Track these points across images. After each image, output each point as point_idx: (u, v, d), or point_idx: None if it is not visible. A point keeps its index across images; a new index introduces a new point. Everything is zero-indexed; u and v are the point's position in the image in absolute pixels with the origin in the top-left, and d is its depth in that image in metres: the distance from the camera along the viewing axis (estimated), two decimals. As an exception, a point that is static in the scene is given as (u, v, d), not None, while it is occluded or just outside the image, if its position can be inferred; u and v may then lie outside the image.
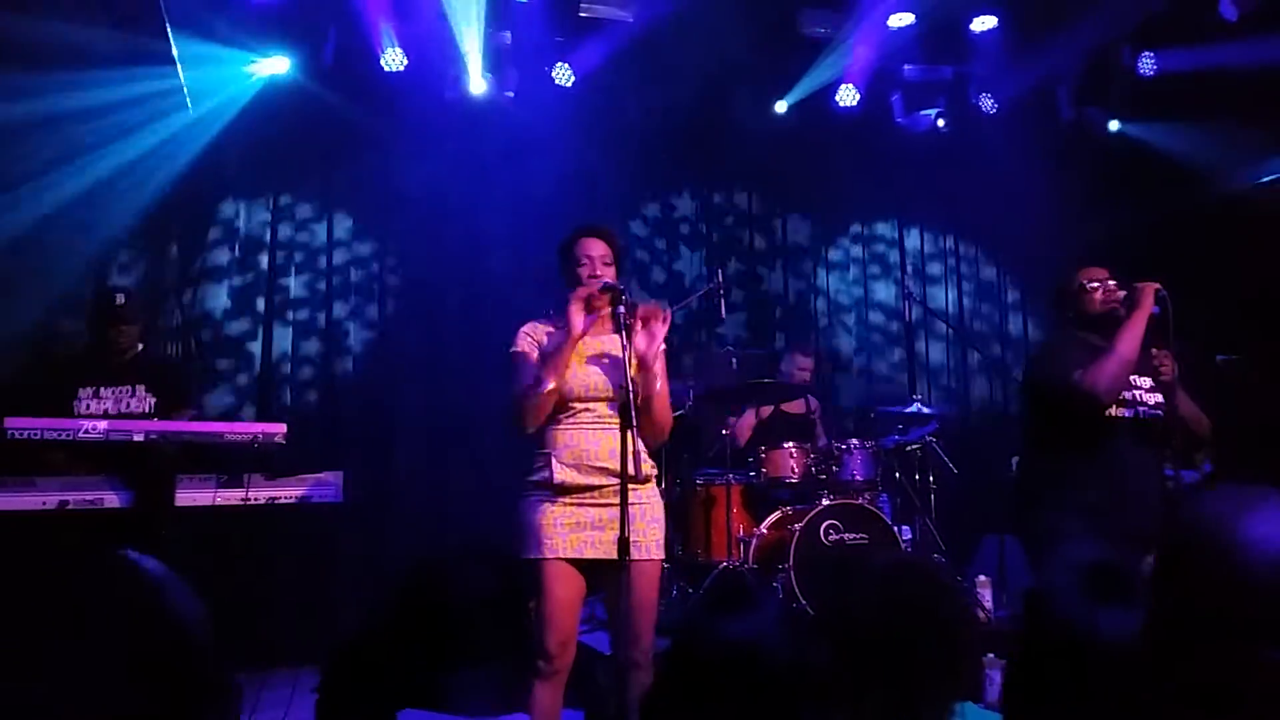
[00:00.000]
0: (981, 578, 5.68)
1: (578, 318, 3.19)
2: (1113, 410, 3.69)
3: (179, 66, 5.56)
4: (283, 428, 4.35)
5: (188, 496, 4.66)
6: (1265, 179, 6.77)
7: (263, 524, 4.95)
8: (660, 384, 3.27)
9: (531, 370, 3.22)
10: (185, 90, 5.79)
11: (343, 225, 6.86)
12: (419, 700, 1.80)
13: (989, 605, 5.54)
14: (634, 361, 3.21)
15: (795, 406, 6.36)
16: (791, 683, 1.59)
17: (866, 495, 5.66)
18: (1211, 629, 1.27)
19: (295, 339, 6.63)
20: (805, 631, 1.69)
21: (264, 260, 6.62)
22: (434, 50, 6.41)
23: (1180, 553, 1.35)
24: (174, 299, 6.37)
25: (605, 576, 3.16)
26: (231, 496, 4.88)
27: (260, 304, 6.56)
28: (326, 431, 6.49)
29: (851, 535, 5.31)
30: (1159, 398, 3.78)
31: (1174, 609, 1.32)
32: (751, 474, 5.80)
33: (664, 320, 3.25)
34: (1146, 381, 3.79)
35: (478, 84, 6.51)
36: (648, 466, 3.26)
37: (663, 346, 3.30)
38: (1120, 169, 7.42)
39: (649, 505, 3.25)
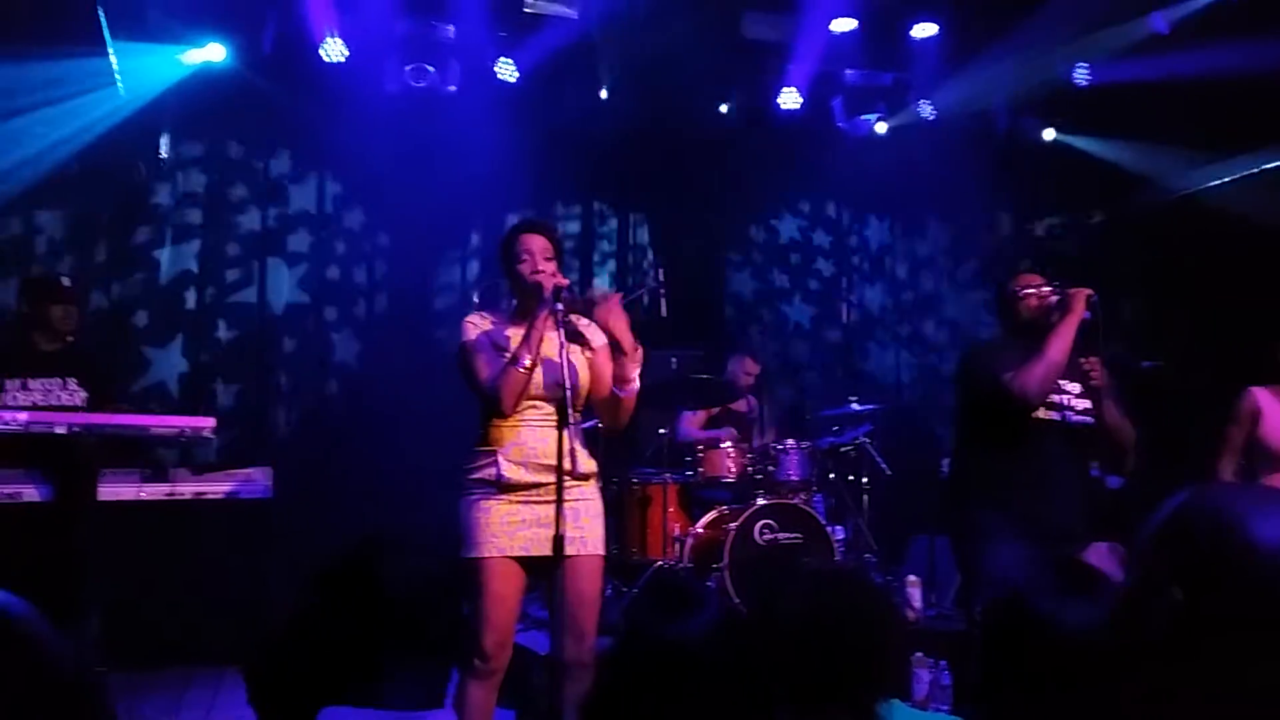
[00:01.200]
0: (911, 577, 5.75)
1: (549, 282, 3.16)
2: (1041, 413, 3.75)
3: (110, 48, 5.42)
4: (212, 422, 4.25)
5: (111, 491, 4.55)
6: (1193, 189, 6.95)
7: (189, 520, 4.85)
8: (638, 367, 3.27)
9: (492, 356, 3.20)
10: (116, 71, 5.65)
11: (279, 216, 6.76)
12: (344, 696, 1.77)
13: (918, 605, 5.61)
14: (580, 353, 3.21)
15: (741, 405, 6.40)
16: (733, 683, 1.60)
17: (802, 495, 5.70)
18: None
19: (226, 332, 6.52)
20: (739, 631, 1.70)
21: (195, 251, 6.49)
22: (376, 42, 6.33)
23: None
24: (100, 288, 6.22)
25: (547, 573, 3.13)
26: (157, 491, 4.79)
27: (191, 296, 6.44)
28: (257, 426, 6.39)
29: (786, 535, 5.35)
30: (1087, 403, 3.86)
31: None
32: (689, 473, 5.82)
33: (613, 301, 3.25)
34: (1076, 387, 3.87)
35: (419, 77, 6.43)
36: (589, 464, 3.27)
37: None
38: (1055, 177, 7.57)
39: (591, 502, 3.26)
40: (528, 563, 3.12)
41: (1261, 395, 3.99)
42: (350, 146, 6.58)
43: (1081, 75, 6.69)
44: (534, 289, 3.19)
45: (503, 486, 3.13)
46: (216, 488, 4.87)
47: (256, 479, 5.00)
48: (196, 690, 4.55)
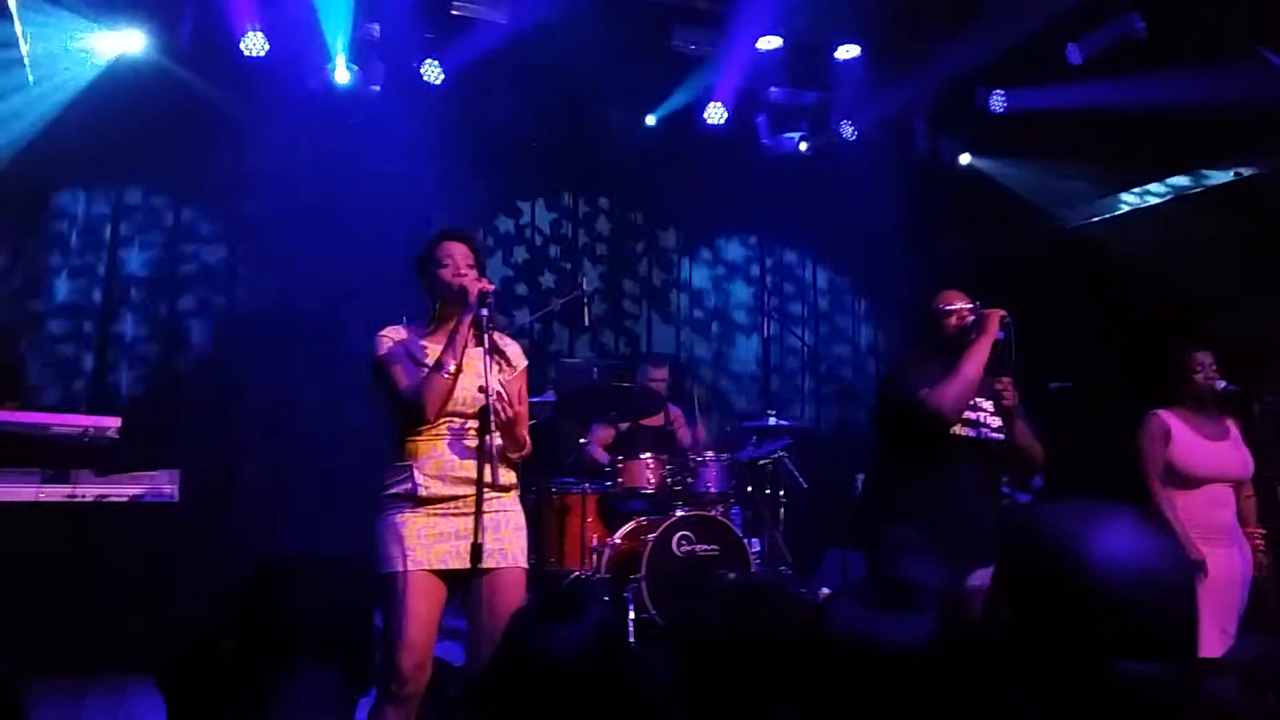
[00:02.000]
0: (825, 590, 5.82)
1: (474, 286, 3.12)
2: (956, 429, 3.83)
3: (20, 32, 5.22)
4: (117, 422, 4.12)
5: (8, 491, 4.37)
6: (1103, 216, 7.18)
7: (91, 523, 4.67)
8: (523, 416, 3.24)
9: (409, 366, 3.14)
10: (25, 59, 5.44)
11: (191, 214, 6.59)
12: (250, 709, 1.72)
13: (832, 617, 5.68)
14: (496, 371, 3.18)
15: (654, 420, 6.39)
16: (606, 695, 1.59)
17: (719, 507, 5.74)
18: (1069, 647, 1.31)
19: (135, 330, 6.33)
20: (650, 642, 1.69)
21: (104, 247, 6.29)
22: (298, 37, 6.20)
23: (1026, 565, 1.39)
24: (4, 285, 5.98)
25: (467, 586, 3.08)
26: (56, 493, 4.61)
27: (98, 293, 6.23)
28: (164, 428, 6.19)
29: (703, 547, 5.37)
30: (1000, 421, 3.95)
31: (1017, 621, 1.35)
32: (608, 484, 5.81)
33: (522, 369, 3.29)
34: (990, 404, 3.96)
35: (342, 75, 6.33)
36: (509, 475, 3.23)
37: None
38: (970, 200, 7.75)
39: (513, 513, 3.22)
40: (448, 577, 3.06)
41: (1169, 417, 4.13)
42: (269, 142, 6.44)
43: (997, 102, 6.87)
44: (458, 293, 3.15)
45: (419, 500, 3.07)
46: (121, 490, 4.70)
47: (164, 481, 4.85)
48: (95, 699, 4.38)
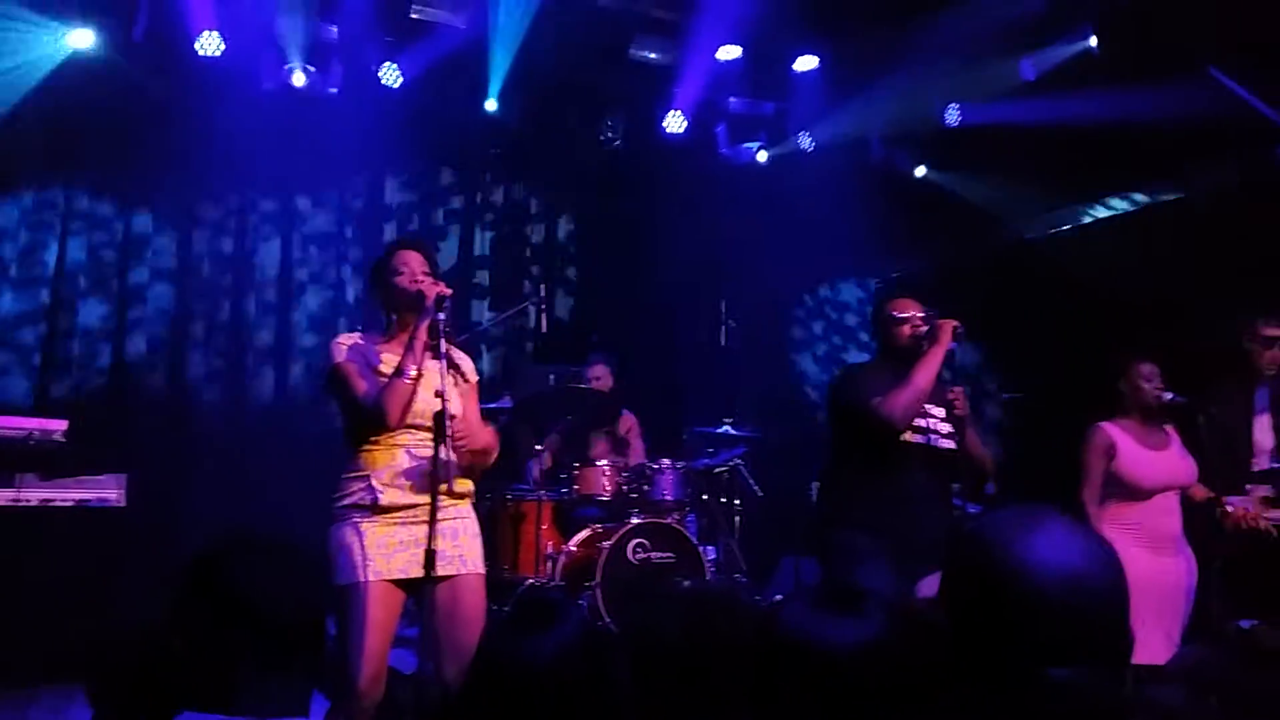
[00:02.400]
0: (779, 598, 5.84)
1: (431, 290, 3.10)
2: (907, 436, 3.87)
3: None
4: (63, 424, 4.05)
5: (-52, 496, 4.27)
6: (1056, 229, 7.28)
7: (36, 528, 4.58)
8: (482, 435, 3.25)
9: (368, 373, 3.13)
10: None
11: (144, 213, 6.50)
12: (200, 701, 1.69)
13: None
14: (452, 383, 3.18)
15: (605, 425, 6.36)
16: (585, 703, 1.59)
17: (675, 515, 5.73)
18: (997, 647, 1.32)
19: (83, 332, 6.21)
20: (607, 651, 1.69)
21: (52, 245, 6.18)
22: (254, 38, 6.14)
23: (964, 572, 1.40)
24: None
25: (423, 594, 3.04)
26: (0, 497, 4.52)
27: (45, 294, 6.12)
28: (113, 432, 6.09)
29: (659, 554, 5.36)
30: (951, 428, 3.99)
31: (959, 628, 1.37)
32: (563, 490, 5.79)
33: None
34: (941, 411, 4.00)
35: (299, 77, 6.26)
36: (465, 483, 3.22)
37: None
38: (925, 212, 7.83)
39: (469, 520, 3.22)
40: (405, 585, 3.04)
41: (1113, 430, 4.19)
42: (223, 143, 6.36)
43: (953, 115, 6.95)
44: (415, 299, 3.14)
45: (378, 509, 3.05)
46: (68, 494, 4.62)
47: (111, 486, 4.76)
48: (40, 711, 4.29)
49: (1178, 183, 6.30)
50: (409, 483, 3.06)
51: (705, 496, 6.23)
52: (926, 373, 3.78)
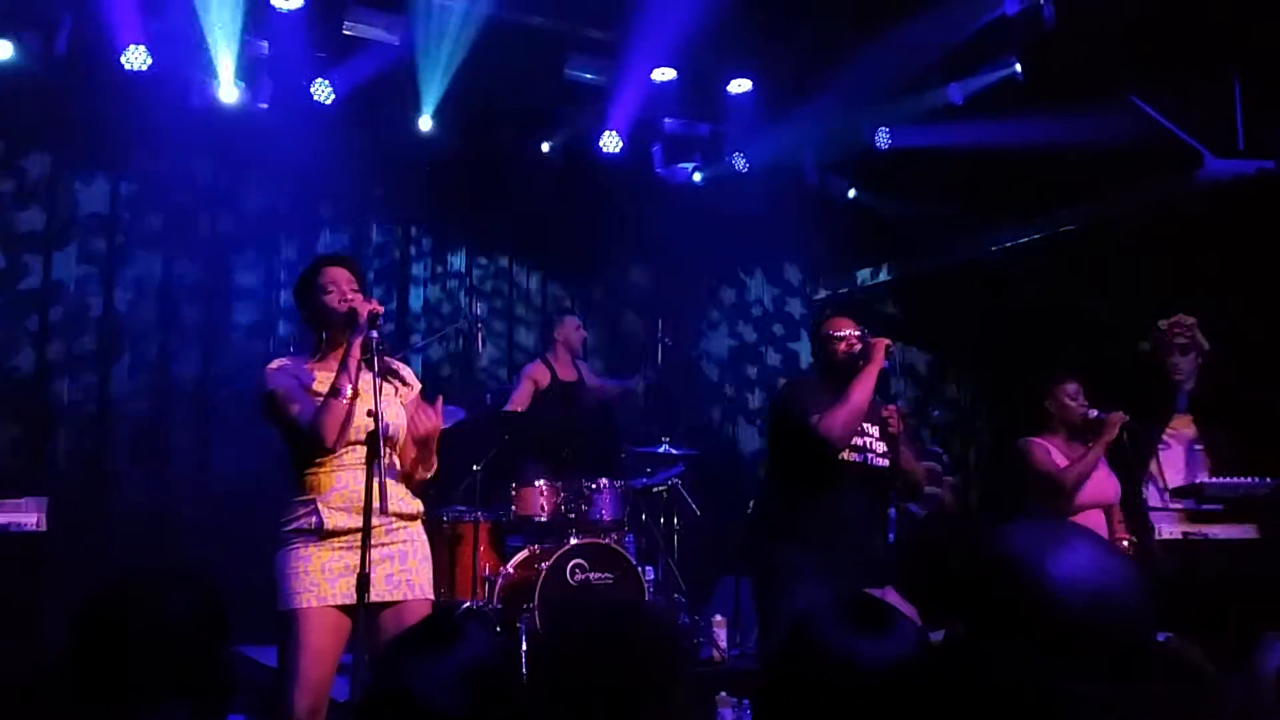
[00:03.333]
0: (717, 617, 5.85)
1: (363, 308, 3.04)
2: (844, 455, 3.91)
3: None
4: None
5: None
6: (981, 251, 7.43)
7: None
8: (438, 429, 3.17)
9: (303, 396, 3.05)
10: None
11: (66, 231, 6.31)
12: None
13: (723, 644, 5.71)
14: (393, 393, 3.13)
15: (569, 374, 6.42)
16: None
17: (614, 535, 5.71)
18: (1021, 664, 1.31)
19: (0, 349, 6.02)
20: (491, 670, 1.65)
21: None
22: (182, 52, 6.02)
23: (987, 585, 1.39)
24: None
25: (371, 620, 2.97)
26: (-88, 523, 4.35)
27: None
28: (31, 454, 5.90)
29: (597, 575, 5.34)
30: (883, 445, 4.04)
31: (985, 645, 1.36)
32: (500, 512, 5.74)
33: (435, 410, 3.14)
34: (876, 431, 4.05)
35: (229, 92, 6.15)
36: (414, 503, 3.17)
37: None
38: (857, 233, 7.95)
39: (419, 543, 3.16)
40: (349, 611, 2.95)
41: (1044, 442, 4.28)
42: (150, 159, 6.23)
43: (883, 138, 7.07)
44: (346, 317, 3.08)
45: (324, 534, 2.99)
46: (-17, 521, 4.45)
47: (29, 509, 4.61)
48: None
49: (1100, 205, 6.47)
50: (356, 505, 2.97)
51: (644, 516, 6.22)
52: (862, 391, 3.83)
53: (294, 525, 3.03)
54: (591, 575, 5.32)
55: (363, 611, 2.90)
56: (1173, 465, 4.83)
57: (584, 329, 6.60)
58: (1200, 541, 4.75)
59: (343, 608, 2.95)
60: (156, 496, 6.24)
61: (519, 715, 1.65)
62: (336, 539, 3.00)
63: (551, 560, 5.23)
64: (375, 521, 2.92)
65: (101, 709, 1.64)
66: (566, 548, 5.31)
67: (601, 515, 5.68)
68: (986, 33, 5.96)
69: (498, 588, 5.41)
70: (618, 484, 5.83)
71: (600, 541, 5.49)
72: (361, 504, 2.94)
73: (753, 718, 4.29)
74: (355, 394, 2.99)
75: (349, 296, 3.13)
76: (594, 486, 5.73)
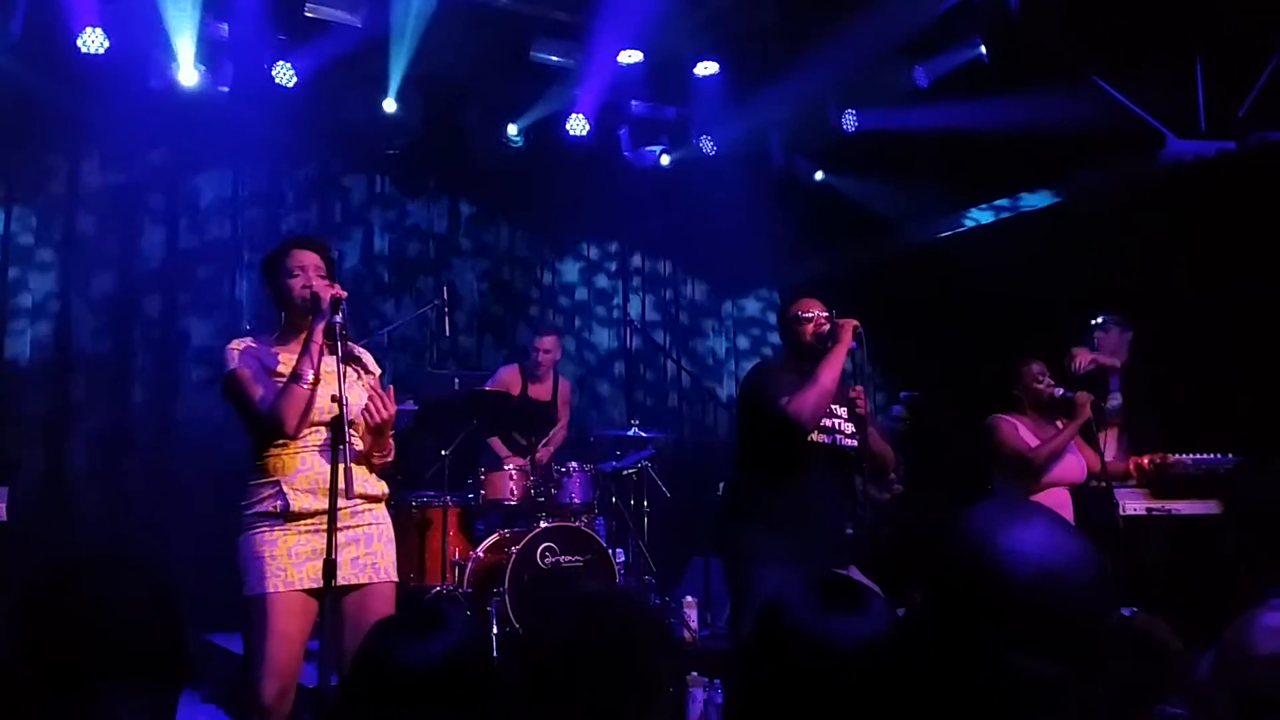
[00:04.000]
0: (688, 598, 5.87)
1: (326, 293, 3.01)
2: (813, 436, 3.92)
3: None
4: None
5: None
6: (947, 232, 7.48)
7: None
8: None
9: (264, 379, 3.02)
10: None
11: (22, 216, 6.23)
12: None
13: (694, 625, 5.73)
14: (355, 379, 3.11)
15: (542, 392, 6.34)
16: (473, 707, 1.56)
17: (584, 518, 5.71)
18: (973, 638, 1.32)
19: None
20: (507, 656, 1.66)
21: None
22: (141, 35, 5.91)
23: (946, 561, 1.40)
24: None
25: (336, 603, 2.97)
26: None
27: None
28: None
29: (568, 558, 5.33)
30: (854, 427, 4.06)
31: (940, 621, 1.37)
32: (470, 496, 5.72)
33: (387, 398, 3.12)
34: (844, 412, 4.06)
35: (189, 75, 6.05)
36: (379, 485, 3.16)
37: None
38: (824, 215, 7.97)
39: (384, 525, 3.16)
40: (318, 595, 2.94)
41: (1012, 419, 4.31)
42: (108, 143, 6.13)
43: (849, 120, 7.08)
44: (311, 302, 3.05)
45: (289, 516, 2.97)
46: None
47: (-12, 501, 4.54)
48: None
49: (1064, 186, 6.52)
50: (322, 487, 2.96)
51: (614, 499, 6.22)
52: (831, 371, 3.84)
53: (258, 508, 3.00)
54: (562, 559, 5.31)
55: (329, 597, 2.90)
56: (1107, 446, 4.91)
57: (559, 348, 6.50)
58: (1164, 517, 4.83)
59: (309, 591, 2.93)
60: (117, 487, 6.17)
61: (501, 698, 1.65)
62: (302, 522, 2.98)
63: (521, 544, 5.22)
64: (341, 504, 2.90)
65: (51, 694, 1.61)
66: (536, 531, 5.30)
67: (571, 498, 5.68)
68: (952, 15, 5.99)
69: (468, 572, 5.39)
70: (587, 467, 5.83)
71: (570, 525, 5.48)
72: (327, 485, 2.93)
73: (725, 699, 4.32)
74: (317, 379, 2.97)
75: (312, 282, 3.10)
76: (564, 470, 5.73)
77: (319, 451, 3.02)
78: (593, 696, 1.72)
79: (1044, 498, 4.26)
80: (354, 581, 2.98)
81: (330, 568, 2.81)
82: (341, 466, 2.86)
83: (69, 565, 1.75)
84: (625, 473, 6.33)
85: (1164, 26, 5.35)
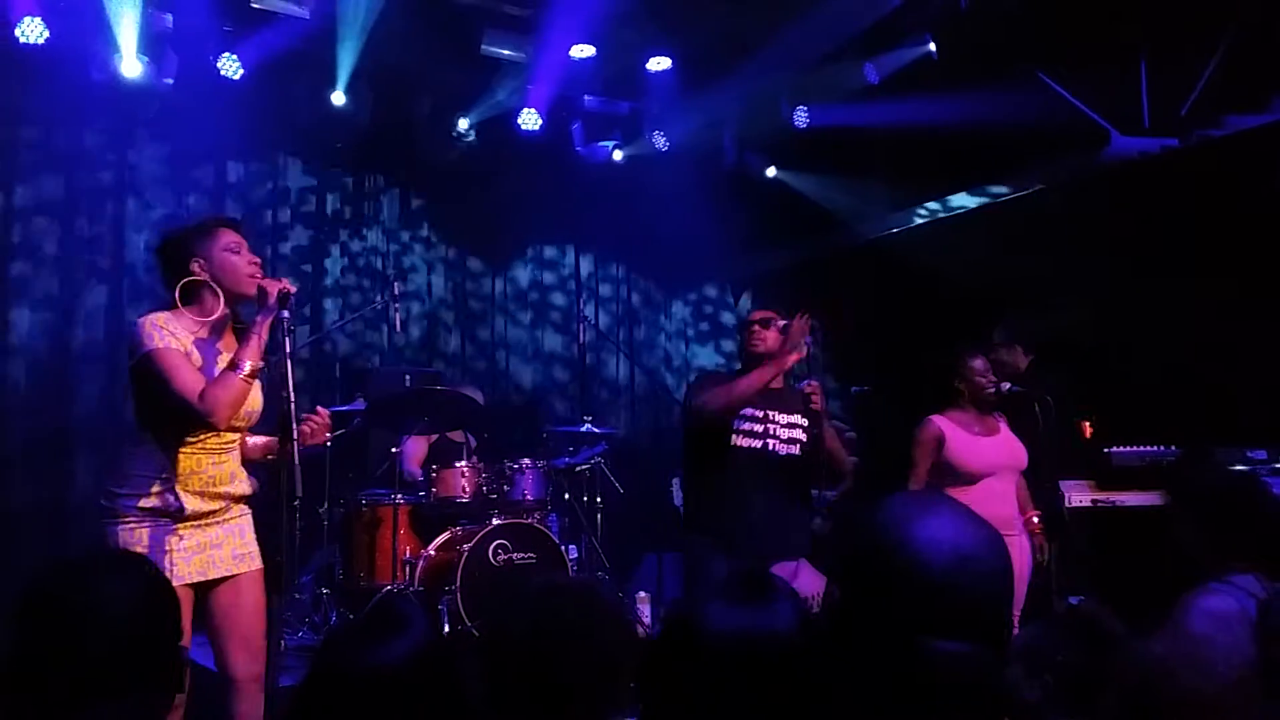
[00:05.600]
0: (641, 594, 5.88)
1: (274, 287, 2.93)
2: (737, 441, 3.95)
3: None
4: None
5: None
6: (898, 228, 7.54)
7: None
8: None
9: (191, 365, 2.90)
10: None
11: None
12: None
13: (648, 621, 5.74)
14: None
15: (458, 435, 6.27)
16: (436, 708, 1.55)
17: (536, 515, 5.69)
18: (887, 624, 1.36)
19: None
20: (460, 654, 1.65)
21: None
22: (81, 25, 5.77)
23: (857, 548, 1.44)
24: None
25: (209, 591, 3.02)
26: None
27: None
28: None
29: (520, 555, 5.31)
30: (795, 432, 4.06)
31: (852, 609, 1.40)
32: (421, 494, 5.67)
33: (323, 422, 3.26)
34: (784, 417, 4.06)
35: (132, 67, 5.91)
36: (251, 484, 3.20)
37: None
38: (776, 211, 7.99)
39: (249, 515, 3.20)
40: (197, 589, 2.99)
41: (942, 422, 4.33)
42: (48, 136, 5.99)
43: (801, 117, 7.11)
44: (257, 297, 2.98)
45: (181, 516, 2.95)
46: None
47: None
48: None
49: (1012, 182, 6.60)
50: (212, 490, 3.02)
51: (567, 495, 6.21)
52: (755, 376, 3.87)
53: (149, 504, 2.91)
54: (514, 555, 5.29)
55: (220, 584, 3.02)
56: None
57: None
58: (1109, 509, 4.90)
59: (191, 585, 2.95)
60: (57, 491, 6.04)
61: (464, 696, 1.64)
62: (191, 520, 2.99)
63: (473, 541, 5.19)
64: (218, 504, 3.02)
65: (49, 704, 1.59)
66: (489, 528, 5.27)
67: (524, 495, 5.66)
68: (902, 12, 6.02)
69: (419, 570, 5.35)
70: (540, 464, 5.81)
71: (523, 522, 5.46)
72: (215, 489, 3.02)
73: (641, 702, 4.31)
74: (254, 374, 2.91)
75: (256, 274, 3.04)
76: (516, 467, 5.70)
77: (215, 454, 3.03)
78: (554, 683, 1.72)
79: (979, 489, 4.20)
80: (234, 572, 3.05)
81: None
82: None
83: (63, 568, 1.72)
84: (578, 469, 6.32)
85: (1110, 25, 5.43)
